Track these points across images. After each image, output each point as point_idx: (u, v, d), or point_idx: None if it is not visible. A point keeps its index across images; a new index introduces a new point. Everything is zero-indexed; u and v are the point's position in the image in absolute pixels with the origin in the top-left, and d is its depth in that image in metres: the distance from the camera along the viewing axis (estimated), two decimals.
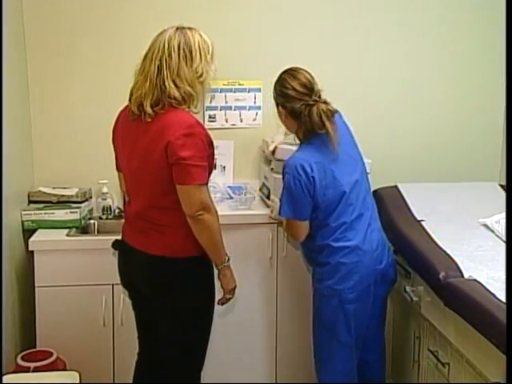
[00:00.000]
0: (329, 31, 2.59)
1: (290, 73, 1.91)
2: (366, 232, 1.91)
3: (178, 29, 1.68)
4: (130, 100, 1.70)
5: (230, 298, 1.78)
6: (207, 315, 1.76)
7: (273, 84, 1.96)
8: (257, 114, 2.62)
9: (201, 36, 1.69)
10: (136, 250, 1.72)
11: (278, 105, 1.94)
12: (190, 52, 1.65)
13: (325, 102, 1.87)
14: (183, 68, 1.64)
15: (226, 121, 2.63)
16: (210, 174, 1.71)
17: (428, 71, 2.67)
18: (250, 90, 2.60)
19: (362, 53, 2.62)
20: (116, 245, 1.83)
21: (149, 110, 1.63)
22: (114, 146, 1.81)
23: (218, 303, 1.78)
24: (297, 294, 2.37)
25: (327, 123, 1.83)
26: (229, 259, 1.73)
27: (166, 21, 2.30)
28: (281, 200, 1.90)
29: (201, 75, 1.66)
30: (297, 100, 1.86)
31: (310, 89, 1.87)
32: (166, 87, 1.62)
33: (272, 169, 2.37)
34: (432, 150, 2.70)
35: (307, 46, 2.57)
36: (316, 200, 1.86)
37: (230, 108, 2.61)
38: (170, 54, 1.63)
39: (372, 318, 1.96)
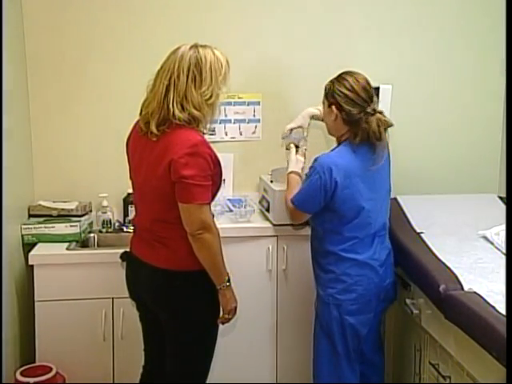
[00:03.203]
0: (330, 45, 2.61)
1: (354, 75, 1.89)
2: (376, 249, 1.93)
3: (191, 47, 1.66)
4: (140, 114, 1.72)
5: (230, 318, 1.77)
6: (211, 328, 1.76)
7: (326, 83, 1.93)
8: (256, 127, 2.64)
9: (215, 55, 1.67)
10: (142, 262, 1.73)
11: (330, 104, 1.90)
12: (200, 74, 1.64)
13: (381, 113, 1.89)
14: (191, 91, 1.63)
15: (226, 134, 2.64)
16: (216, 192, 1.72)
17: (425, 84, 2.69)
18: (249, 104, 2.62)
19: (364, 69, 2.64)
20: (124, 256, 1.85)
21: (154, 129, 1.64)
22: (128, 157, 1.82)
23: (219, 322, 1.77)
24: (297, 308, 2.36)
25: (383, 135, 1.86)
26: (229, 279, 1.72)
27: (168, 35, 2.38)
28: (300, 187, 1.96)
29: (209, 98, 1.65)
30: (357, 105, 1.85)
31: (370, 96, 1.87)
32: (171, 109, 1.62)
33: (272, 181, 2.39)
34: (431, 162, 2.71)
35: (307, 59, 2.59)
36: (333, 204, 1.87)
37: (229, 121, 2.63)
38: (178, 76, 1.63)
39: (369, 333, 1.97)
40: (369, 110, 1.85)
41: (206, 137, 1.70)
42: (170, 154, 1.61)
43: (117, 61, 2.51)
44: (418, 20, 2.65)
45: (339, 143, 1.95)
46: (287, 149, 2.16)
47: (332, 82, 1.92)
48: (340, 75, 1.91)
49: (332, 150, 1.95)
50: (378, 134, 1.85)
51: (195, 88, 1.63)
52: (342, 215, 1.88)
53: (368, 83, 1.89)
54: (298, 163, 2.08)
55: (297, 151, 2.12)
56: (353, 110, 1.85)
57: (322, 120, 2.11)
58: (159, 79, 1.66)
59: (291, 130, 2.18)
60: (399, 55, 2.65)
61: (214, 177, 1.66)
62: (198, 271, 1.68)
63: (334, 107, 1.89)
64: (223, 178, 1.76)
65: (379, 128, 1.84)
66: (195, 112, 1.63)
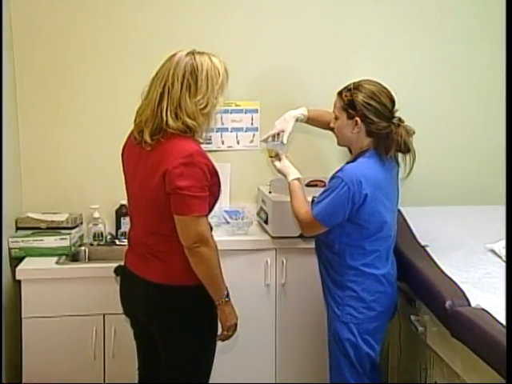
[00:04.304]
0: (330, 52, 2.63)
1: (377, 85, 1.84)
2: (392, 263, 1.93)
3: (188, 54, 1.65)
4: (134, 122, 1.72)
5: (231, 335, 1.76)
6: (209, 346, 1.75)
7: (335, 94, 1.88)
8: (254, 135, 2.64)
9: (212, 62, 1.66)
10: (137, 277, 1.72)
11: (353, 116, 1.83)
12: (196, 82, 1.62)
13: (403, 122, 1.84)
14: (185, 99, 1.62)
15: (223, 143, 2.64)
16: (214, 203, 1.71)
17: (428, 91, 2.70)
18: (246, 111, 2.62)
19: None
20: (118, 270, 1.84)
21: (148, 139, 1.64)
22: (123, 167, 1.81)
23: (218, 339, 1.76)
24: (297, 325, 2.35)
25: (412, 145, 1.83)
26: (228, 294, 1.71)
27: (165, 41, 2.38)
28: (320, 197, 1.85)
29: (204, 107, 1.64)
30: (385, 117, 1.81)
31: (394, 105, 1.85)
32: (164, 118, 1.62)
33: (270, 192, 2.39)
34: (435, 172, 2.71)
35: (307, 66, 2.60)
36: (358, 217, 1.82)
37: (226, 130, 2.63)
38: (173, 83, 1.62)
39: None
40: (395, 120, 1.82)
41: (202, 146, 1.69)
42: (164, 164, 1.60)
43: (110, 66, 2.51)
44: (421, 24, 2.67)
45: (359, 154, 1.88)
46: (271, 156, 2.05)
47: (353, 91, 1.83)
48: (360, 84, 1.84)
49: (354, 160, 1.87)
50: (409, 145, 1.82)
51: (190, 96, 1.62)
52: (366, 228, 1.84)
53: (391, 92, 1.86)
54: (294, 169, 2.01)
55: (280, 158, 2.02)
56: (381, 123, 1.81)
57: (307, 123, 2.10)
58: (154, 86, 1.66)
59: (274, 135, 2.08)
60: (402, 65, 2.66)
61: (211, 187, 1.66)
62: (195, 286, 1.66)
63: (358, 119, 1.82)
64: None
65: (408, 139, 1.82)
66: (189, 121, 1.62)
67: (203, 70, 1.64)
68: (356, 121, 1.83)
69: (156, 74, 1.68)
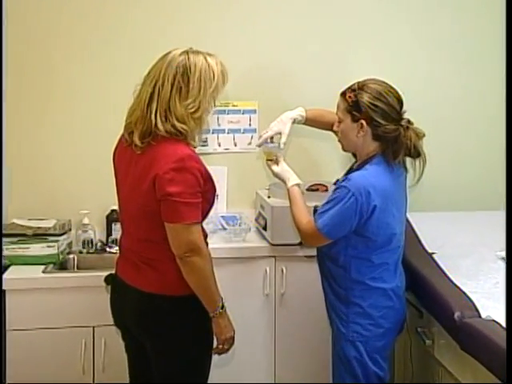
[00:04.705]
0: (331, 50, 2.64)
1: (382, 84, 1.79)
2: (400, 275, 1.89)
3: (183, 53, 1.63)
4: (126, 122, 1.71)
5: (227, 348, 1.75)
6: (203, 360, 1.74)
7: (337, 93, 1.84)
8: (252, 137, 2.64)
9: (207, 62, 1.63)
10: (128, 286, 1.72)
11: (358, 119, 1.77)
12: (187, 84, 1.60)
13: (412, 124, 1.79)
14: (174, 102, 1.60)
15: (219, 145, 2.64)
16: (209, 210, 1.71)
17: (435, 91, 2.71)
18: (244, 112, 2.62)
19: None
20: (109, 279, 1.83)
21: (137, 141, 1.63)
22: (114, 170, 1.80)
23: (213, 353, 1.75)
24: (298, 337, 2.35)
25: (422, 149, 1.79)
26: (223, 306, 1.70)
27: (159, 39, 2.38)
28: (324, 207, 1.79)
29: (195, 111, 1.62)
30: (394, 120, 1.76)
31: (402, 107, 1.79)
32: (153, 120, 1.60)
33: (269, 196, 2.38)
34: (443, 177, 2.71)
35: (307, 65, 2.61)
36: (365, 229, 1.77)
37: (223, 131, 2.63)
38: (163, 84, 1.60)
39: None
40: (403, 123, 1.77)
41: (198, 148, 1.69)
42: (154, 169, 1.60)
43: (100, 65, 2.51)
44: (425, 20, 2.69)
45: (365, 160, 1.82)
46: (269, 160, 2.01)
47: (357, 92, 1.77)
48: (365, 84, 1.78)
49: (360, 167, 1.82)
50: (419, 149, 1.77)
51: (179, 99, 1.61)
52: (373, 241, 1.78)
53: (398, 92, 1.79)
54: (294, 174, 1.96)
55: (277, 162, 1.97)
56: (390, 126, 1.75)
57: (306, 124, 2.07)
58: (145, 86, 1.65)
59: (271, 137, 2.04)
60: (403, 69, 2.66)
61: (205, 193, 1.64)
62: (189, 296, 1.65)
63: (363, 122, 1.77)
64: (216, 193, 1.75)
65: (418, 142, 1.78)
66: (179, 125, 1.61)
67: (196, 71, 1.62)
68: (361, 124, 1.77)
69: (148, 73, 1.67)
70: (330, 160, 2.65)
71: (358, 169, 1.83)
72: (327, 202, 1.80)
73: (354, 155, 2.02)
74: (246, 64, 2.56)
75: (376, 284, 1.82)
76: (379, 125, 1.76)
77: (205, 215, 1.71)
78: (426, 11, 2.69)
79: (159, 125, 1.60)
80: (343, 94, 1.83)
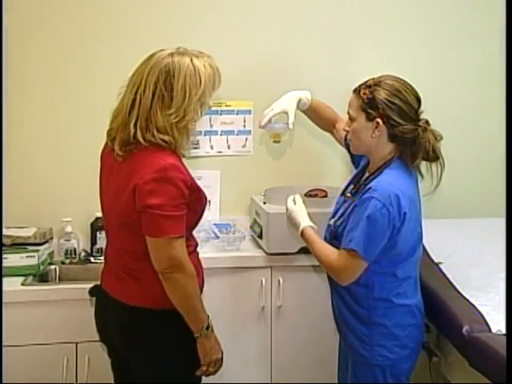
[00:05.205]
0: (330, 47, 2.64)
1: (402, 82, 1.75)
2: (420, 289, 1.87)
3: (168, 55, 1.59)
4: (109, 126, 1.69)
5: (213, 371, 1.72)
6: (191, 377, 1.73)
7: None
8: (246, 139, 2.64)
9: (194, 66, 1.58)
10: (111, 299, 1.71)
11: (373, 118, 1.72)
12: (170, 91, 1.57)
13: (430, 125, 1.76)
14: (155, 111, 1.57)
15: (211, 147, 2.64)
16: (197, 221, 1.70)
17: (445, 92, 2.71)
18: (238, 112, 2.62)
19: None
20: (93, 291, 1.82)
21: (117, 149, 1.62)
22: (100, 173, 1.79)
23: (198, 374, 1.73)
24: (295, 354, 2.34)
25: (440, 153, 1.76)
26: (209, 326, 1.67)
27: (149, 37, 2.37)
28: (355, 227, 1.70)
29: (180, 121, 1.58)
30: (410, 120, 1.72)
31: (420, 106, 1.76)
32: (131, 130, 1.58)
33: (265, 202, 2.38)
34: (451, 181, 2.68)
35: (305, 62, 2.61)
36: (394, 242, 1.71)
37: (215, 133, 2.63)
38: (144, 91, 1.57)
39: None
40: (421, 123, 1.73)
41: (188, 150, 1.67)
42: (134, 179, 1.58)
43: (86, 65, 2.50)
44: (433, 8, 2.70)
45: (382, 165, 1.77)
46: (276, 141, 1.96)
47: (373, 88, 1.73)
48: (381, 80, 1.74)
49: (377, 172, 1.76)
50: (438, 152, 1.74)
51: (161, 108, 1.57)
52: (398, 253, 1.73)
53: (416, 90, 1.76)
54: (305, 212, 1.89)
55: (295, 201, 1.89)
56: (407, 125, 1.71)
57: (307, 113, 2.03)
58: (128, 89, 1.63)
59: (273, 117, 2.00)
60: (402, 66, 2.65)
61: (191, 204, 1.62)
62: (175, 310, 1.64)
63: (379, 121, 1.71)
64: (208, 199, 1.74)
65: (437, 145, 1.74)
66: (159, 135, 1.58)
67: (180, 77, 1.57)
68: (377, 122, 1.72)
69: (132, 75, 1.65)
70: (330, 164, 2.65)
71: (374, 174, 1.79)
72: (348, 219, 1.74)
73: (352, 159, 2.02)
74: (240, 61, 2.56)
75: (401, 301, 1.78)
76: (396, 124, 1.72)
77: (193, 227, 1.70)
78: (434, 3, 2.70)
79: (138, 135, 1.59)
80: (357, 91, 1.77)
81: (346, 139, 2.02)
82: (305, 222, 1.85)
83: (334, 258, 1.74)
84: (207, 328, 1.67)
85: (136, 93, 1.59)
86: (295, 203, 1.91)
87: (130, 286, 1.67)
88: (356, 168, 2.04)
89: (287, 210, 1.92)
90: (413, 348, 1.81)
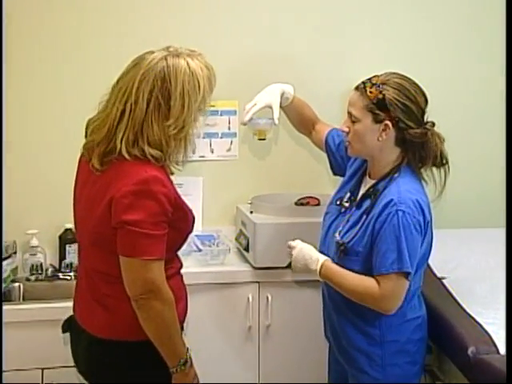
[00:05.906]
0: (322, 42, 2.67)
1: (408, 80, 1.74)
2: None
3: (160, 59, 1.54)
4: (85, 135, 1.65)
5: None
6: None
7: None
8: (232, 142, 2.65)
9: (190, 69, 1.55)
10: (81, 329, 1.68)
11: (381, 119, 1.70)
12: (168, 100, 1.53)
13: (434, 126, 1.76)
14: (150, 123, 1.52)
15: (193, 151, 2.62)
16: (182, 243, 1.68)
17: (446, 89, 2.73)
18: (222, 113, 2.62)
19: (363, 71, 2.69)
20: (65, 326, 1.78)
21: (96, 163, 1.57)
22: (75, 179, 1.75)
23: None
24: (284, 377, 2.34)
25: (447, 158, 1.76)
26: (186, 362, 1.63)
27: (136, 36, 2.37)
28: (392, 246, 1.66)
29: (179, 131, 1.55)
30: (417, 121, 1.72)
31: (427, 106, 1.76)
32: (118, 146, 1.53)
33: (252, 212, 2.37)
34: (454, 189, 2.68)
35: (295, 59, 2.63)
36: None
37: (197, 135, 2.61)
38: (137, 101, 1.52)
39: None
40: (428, 126, 1.73)
41: None
42: (111, 191, 1.54)
43: (63, 67, 2.49)
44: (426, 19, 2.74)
45: (389, 172, 1.76)
46: (261, 139, 1.95)
47: (381, 87, 1.70)
48: (388, 78, 1.71)
49: (385, 180, 1.75)
50: (446, 157, 1.75)
51: (158, 120, 1.53)
52: (415, 264, 1.74)
53: (423, 89, 1.76)
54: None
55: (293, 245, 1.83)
56: (417, 129, 1.71)
57: (286, 110, 2.03)
58: (114, 97, 1.57)
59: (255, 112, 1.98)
60: (402, 63, 2.68)
61: (174, 223, 1.59)
62: (148, 342, 1.59)
63: (389, 123, 1.70)
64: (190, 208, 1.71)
65: (444, 148, 1.75)
66: (150, 151, 1.54)
67: (178, 83, 1.53)
68: (386, 125, 1.70)
69: (117, 82, 1.58)
70: (321, 169, 2.65)
71: (380, 181, 1.77)
72: (384, 239, 1.68)
73: (333, 164, 2.02)
74: (224, 58, 2.54)
75: (412, 314, 1.80)
76: (406, 127, 1.71)
77: (177, 248, 1.67)
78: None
79: (123, 151, 1.54)
80: (361, 89, 1.73)
81: (326, 141, 2.04)
82: (321, 259, 1.78)
83: (375, 286, 1.69)
84: (184, 364, 1.62)
85: (126, 103, 1.53)
86: (295, 246, 1.84)
87: (97, 314, 1.63)
88: (336, 174, 2.05)
89: (293, 248, 1.83)
90: (421, 364, 1.84)
